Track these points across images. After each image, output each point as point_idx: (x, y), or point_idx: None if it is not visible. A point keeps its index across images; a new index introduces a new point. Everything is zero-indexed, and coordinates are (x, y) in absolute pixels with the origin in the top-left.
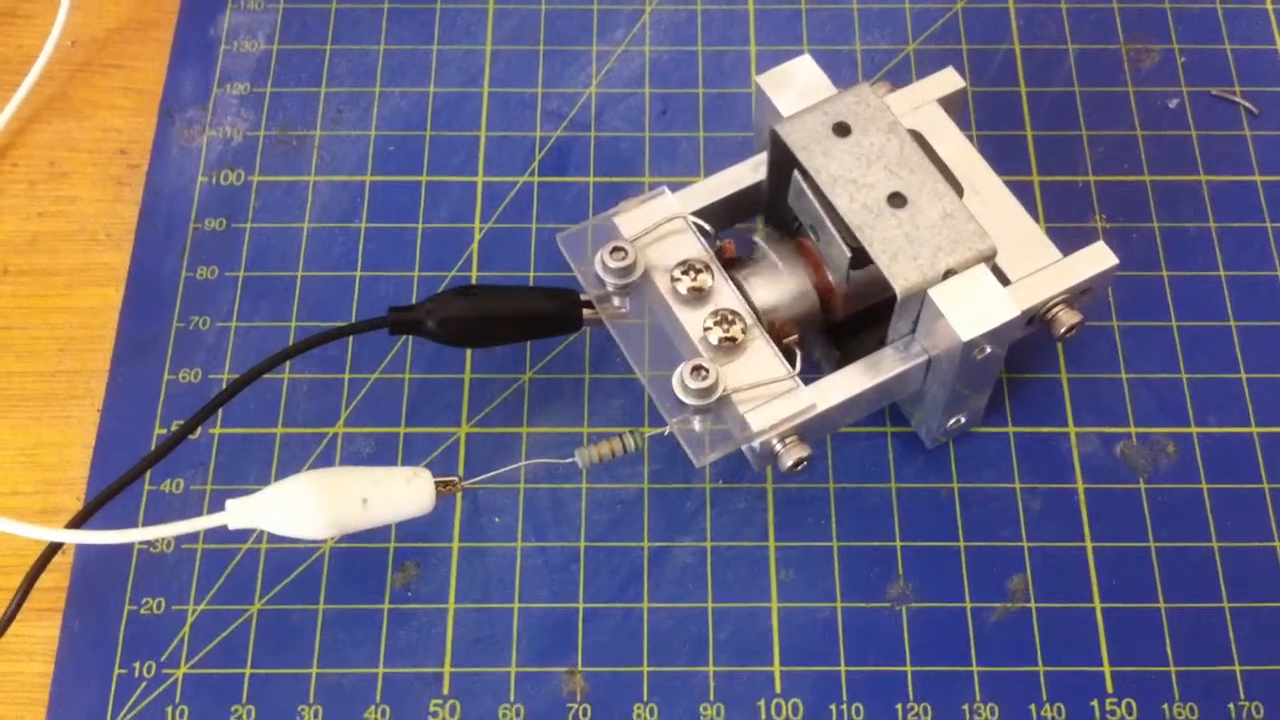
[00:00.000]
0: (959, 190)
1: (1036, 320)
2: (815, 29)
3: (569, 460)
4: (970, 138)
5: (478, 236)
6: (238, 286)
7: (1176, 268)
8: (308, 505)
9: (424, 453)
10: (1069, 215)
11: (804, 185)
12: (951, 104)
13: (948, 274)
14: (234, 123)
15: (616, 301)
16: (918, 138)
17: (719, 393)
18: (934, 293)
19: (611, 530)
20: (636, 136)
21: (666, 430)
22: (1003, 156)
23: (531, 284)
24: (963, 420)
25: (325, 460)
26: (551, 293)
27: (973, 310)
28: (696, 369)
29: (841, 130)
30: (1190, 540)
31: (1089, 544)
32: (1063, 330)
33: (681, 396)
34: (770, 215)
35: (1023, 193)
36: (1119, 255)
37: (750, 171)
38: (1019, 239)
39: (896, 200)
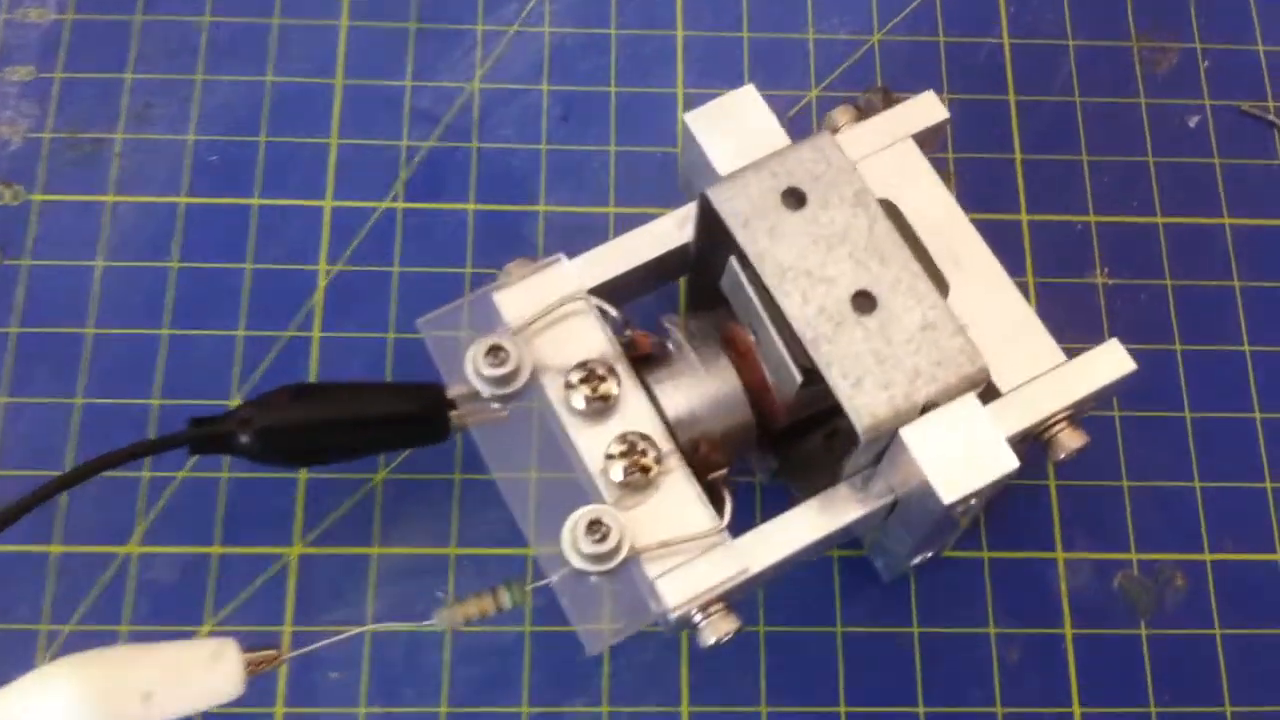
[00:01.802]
0: (943, 287)
1: (1029, 439)
2: (759, 12)
3: (428, 625)
4: (945, 163)
5: (323, 281)
6: (8, 348)
7: (1193, 339)
8: (65, 710)
9: (244, 578)
10: (1064, 267)
11: (742, 277)
12: (929, 138)
13: (926, 407)
14: (12, 119)
15: (494, 405)
16: (890, 211)
17: (622, 555)
18: (907, 434)
19: (483, 691)
20: (531, 149)
21: (554, 579)
22: (984, 187)
23: (390, 349)
24: (929, 555)
25: (115, 592)
26: (411, 391)
27: (958, 462)
28: (594, 525)
29: (795, 199)
30: (1201, 704)
31: (1076, 709)
32: (1062, 456)
33: (573, 560)
34: (696, 285)
35: (1008, 237)
36: (1123, 319)
37: (675, 229)
38: (1012, 332)
39: (864, 302)
